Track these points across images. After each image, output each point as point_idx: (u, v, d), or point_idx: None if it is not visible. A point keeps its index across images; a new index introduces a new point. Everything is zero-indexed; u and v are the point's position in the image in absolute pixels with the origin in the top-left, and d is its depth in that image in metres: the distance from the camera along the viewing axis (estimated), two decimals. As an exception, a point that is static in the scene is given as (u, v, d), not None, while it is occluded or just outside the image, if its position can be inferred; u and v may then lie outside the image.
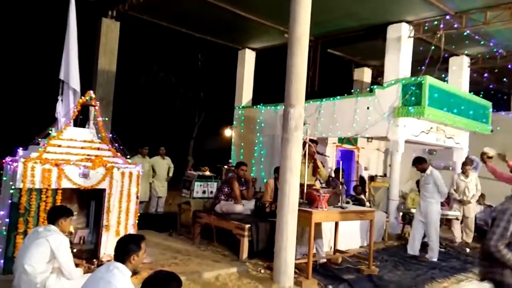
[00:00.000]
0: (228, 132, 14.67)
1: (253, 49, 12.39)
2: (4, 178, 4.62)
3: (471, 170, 8.19)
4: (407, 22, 9.15)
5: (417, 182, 7.99)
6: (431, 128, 9.12)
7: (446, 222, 8.87)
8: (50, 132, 5.08)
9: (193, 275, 4.81)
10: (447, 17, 8.64)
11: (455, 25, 8.68)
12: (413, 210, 7.38)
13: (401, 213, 8.74)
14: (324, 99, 9.94)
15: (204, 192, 7.42)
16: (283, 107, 5.07)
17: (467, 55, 10.87)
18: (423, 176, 6.81)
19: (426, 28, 9.09)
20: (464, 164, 8.20)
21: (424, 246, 7.57)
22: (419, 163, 6.79)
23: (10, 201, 4.31)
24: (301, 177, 5.08)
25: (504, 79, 12.07)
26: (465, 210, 8.05)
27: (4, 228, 4.33)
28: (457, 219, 8.22)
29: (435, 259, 6.59)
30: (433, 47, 8.84)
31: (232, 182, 6.63)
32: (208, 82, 19.06)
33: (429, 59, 8.82)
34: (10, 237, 4.27)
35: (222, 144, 16.82)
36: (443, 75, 10.90)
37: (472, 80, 11.25)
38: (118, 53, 10.15)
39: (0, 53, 14.86)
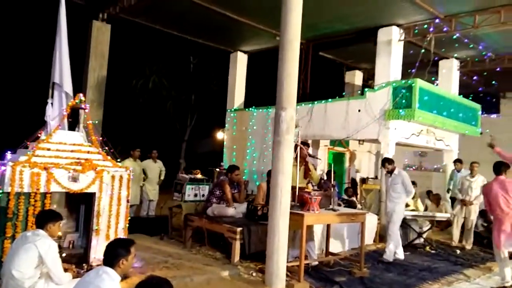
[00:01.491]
0: (220, 135, 14.66)
1: (245, 52, 12.40)
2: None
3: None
4: (398, 25, 9.23)
5: None
6: (422, 130, 9.20)
7: (437, 224, 8.94)
8: (39, 135, 5.03)
9: (185, 279, 4.77)
10: (437, 20, 8.73)
11: (445, 29, 8.77)
12: (407, 213, 7.39)
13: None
14: (315, 102, 9.98)
15: (195, 195, 7.39)
16: (275, 109, 5.07)
17: (456, 58, 10.98)
18: (390, 177, 6.76)
19: (416, 31, 9.16)
20: (473, 162, 7.97)
21: (415, 248, 7.64)
22: (389, 163, 6.78)
23: (-2, 205, 4.25)
24: (292, 180, 5.09)
25: (493, 82, 12.23)
26: (466, 211, 7.90)
27: (-9, 232, 4.27)
28: (447, 220, 8.22)
29: (391, 260, 6.49)
30: (423, 50, 8.92)
31: (223, 185, 6.61)
32: (200, 85, 19.04)
33: (419, 62, 8.90)
34: (-2, 242, 4.21)
35: (214, 147, 16.81)
36: (433, 78, 11.01)
37: (462, 83, 11.38)
38: (110, 56, 10.09)
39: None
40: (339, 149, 11.34)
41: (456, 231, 8.10)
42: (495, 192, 5.50)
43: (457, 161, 9.30)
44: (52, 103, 5.45)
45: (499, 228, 5.46)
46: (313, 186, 6.10)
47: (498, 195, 5.46)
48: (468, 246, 7.91)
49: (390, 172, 6.76)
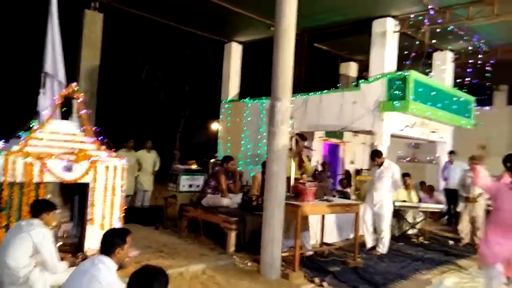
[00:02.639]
0: (215, 126, 14.62)
1: (239, 42, 12.32)
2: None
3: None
4: (392, 16, 9.20)
5: (403, 175, 7.73)
6: (416, 122, 9.22)
7: (430, 215, 9.00)
8: (32, 125, 4.98)
9: (180, 269, 4.79)
10: (431, 12, 8.71)
11: (439, 20, 8.77)
12: (397, 203, 7.42)
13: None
14: (310, 93, 9.96)
15: (190, 186, 7.40)
16: (270, 100, 5.06)
17: (451, 50, 11.00)
18: (378, 169, 6.61)
19: (411, 23, 9.15)
20: (471, 159, 7.42)
21: (409, 238, 7.68)
22: (378, 157, 6.64)
23: (-9, 195, 4.22)
24: (287, 171, 5.10)
25: (487, 74, 12.27)
26: (471, 208, 7.48)
27: (-15, 222, 4.24)
28: (441, 212, 8.18)
29: (385, 252, 6.46)
30: (417, 42, 8.92)
31: (219, 176, 6.62)
32: (194, 75, 18.90)
33: (414, 54, 8.90)
34: (-9, 232, 4.19)
35: (209, 138, 16.77)
36: (427, 70, 11.03)
37: (456, 75, 11.41)
38: (102, 45, 9.98)
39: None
40: (334, 140, 11.36)
41: (464, 228, 7.64)
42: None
43: (451, 153, 9.35)
44: (44, 93, 5.39)
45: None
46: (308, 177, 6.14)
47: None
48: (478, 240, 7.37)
49: (380, 164, 6.66)
